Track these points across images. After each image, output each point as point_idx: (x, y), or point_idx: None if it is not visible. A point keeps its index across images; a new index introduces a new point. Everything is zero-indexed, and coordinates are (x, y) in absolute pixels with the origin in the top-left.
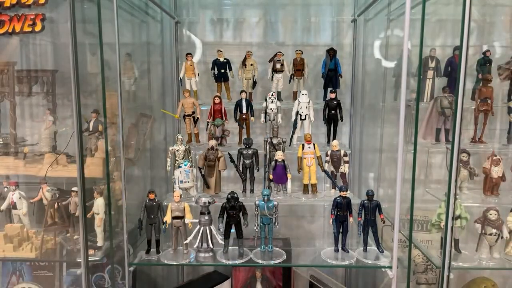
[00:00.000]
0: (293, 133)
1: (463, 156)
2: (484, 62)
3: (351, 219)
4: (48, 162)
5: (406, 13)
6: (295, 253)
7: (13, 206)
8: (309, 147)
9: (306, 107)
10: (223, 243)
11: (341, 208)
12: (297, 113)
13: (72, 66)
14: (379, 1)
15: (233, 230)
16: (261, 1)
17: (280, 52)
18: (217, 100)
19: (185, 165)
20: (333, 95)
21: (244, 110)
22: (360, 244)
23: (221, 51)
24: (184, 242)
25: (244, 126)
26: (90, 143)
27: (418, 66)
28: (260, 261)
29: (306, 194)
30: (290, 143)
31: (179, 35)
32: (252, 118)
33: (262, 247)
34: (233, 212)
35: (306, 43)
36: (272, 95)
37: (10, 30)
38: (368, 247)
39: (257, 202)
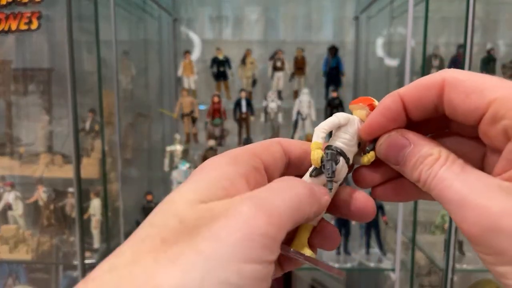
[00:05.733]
0: (294, 133)
1: None
2: (488, 61)
3: (353, 221)
4: (44, 162)
5: (409, 10)
6: None
7: (9, 207)
8: None
9: (308, 106)
10: None
11: None
12: (298, 112)
13: (68, 64)
14: None
15: None
16: None
17: (281, 50)
18: (216, 100)
19: (182, 166)
20: (335, 94)
21: (244, 109)
22: (362, 247)
23: (220, 49)
24: None
25: (244, 125)
26: (86, 143)
27: (421, 65)
28: None
29: None
30: None
31: (177, 32)
32: (252, 118)
33: None
34: None
35: (308, 41)
36: (272, 94)
37: (6, 29)
38: (370, 250)
39: None
